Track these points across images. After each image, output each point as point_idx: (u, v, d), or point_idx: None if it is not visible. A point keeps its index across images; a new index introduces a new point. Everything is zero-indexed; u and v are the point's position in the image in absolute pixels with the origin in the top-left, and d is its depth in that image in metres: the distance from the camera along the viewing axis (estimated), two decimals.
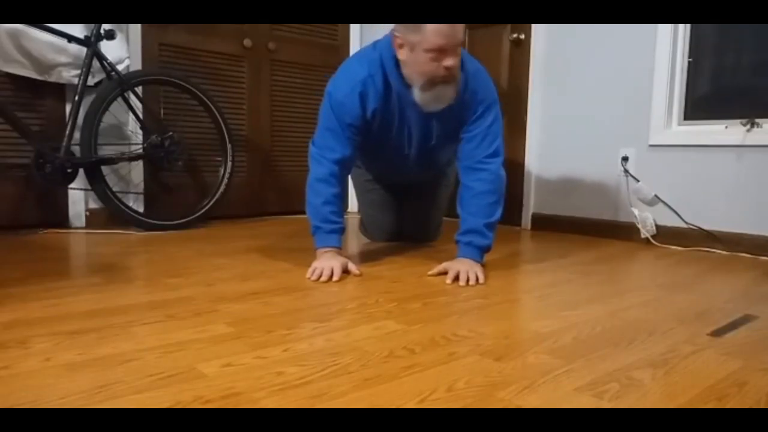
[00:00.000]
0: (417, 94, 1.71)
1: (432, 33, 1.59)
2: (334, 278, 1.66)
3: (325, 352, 1.06)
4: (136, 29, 2.74)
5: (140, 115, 2.68)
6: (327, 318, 1.28)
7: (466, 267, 1.70)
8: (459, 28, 1.60)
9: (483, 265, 1.77)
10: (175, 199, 2.89)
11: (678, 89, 2.47)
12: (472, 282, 1.66)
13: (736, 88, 2.35)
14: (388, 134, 1.89)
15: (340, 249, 1.80)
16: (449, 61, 1.61)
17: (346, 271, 1.72)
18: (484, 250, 1.80)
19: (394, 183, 2.30)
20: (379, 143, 1.93)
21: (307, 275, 1.69)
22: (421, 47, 1.61)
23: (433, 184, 2.31)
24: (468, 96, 1.79)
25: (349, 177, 2.45)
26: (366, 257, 2.07)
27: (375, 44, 1.82)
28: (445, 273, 1.73)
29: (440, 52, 1.60)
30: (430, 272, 1.77)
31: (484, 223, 1.77)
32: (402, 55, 1.68)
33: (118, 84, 2.50)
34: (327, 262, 1.70)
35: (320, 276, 1.66)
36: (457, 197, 1.85)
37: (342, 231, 1.82)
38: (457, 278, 1.68)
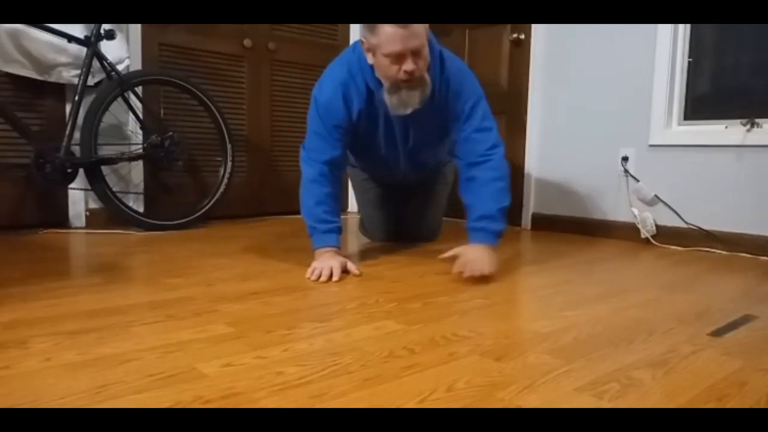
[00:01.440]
0: (385, 98, 1.73)
1: (386, 39, 1.59)
2: (334, 278, 1.65)
3: (325, 352, 1.06)
4: (136, 29, 2.74)
5: (140, 115, 2.68)
6: (327, 318, 1.28)
7: (477, 254, 1.67)
8: (416, 32, 1.58)
9: (494, 250, 1.73)
10: (175, 199, 2.89)
11: (678, 89, 2.47)
12: (477, 275, 1.63)
13: (736, 88, 2.35)
14: (375, 135, 1.90)
15: (338, 248, 1.80)
16: (408, 66, 1.61)
17: (345, 271, 1.72)
18: (498, 234, 1.76)
19: (391, 183, 2.30)
20: (368, 144, 1.94)
21: (307, 275, 1.69)
22: (380, 51, 1.62)
23: (431, 183, 2.31)
24: (451, 97, 1.79)
25: (348, 177, 2.46)
26: (366, 257, 2.07)
27: (354, 46, 1.83)
28: (456, 258, 1.70)
29: (398, 57, 1.60)
30: (441, 256, 1.76)
31: (497, 209, 1.74)
32: (369, 58, 1.69)
33: (118, 84, 2.50)
34: (326, 262, 1.70)
35: (320, 276, 1.66)
36: (461, 190, 1.82)
37: (339, 230, 1.82)
38: (465, 271, 1.65)
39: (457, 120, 1.82)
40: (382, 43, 1.60)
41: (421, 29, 1.60)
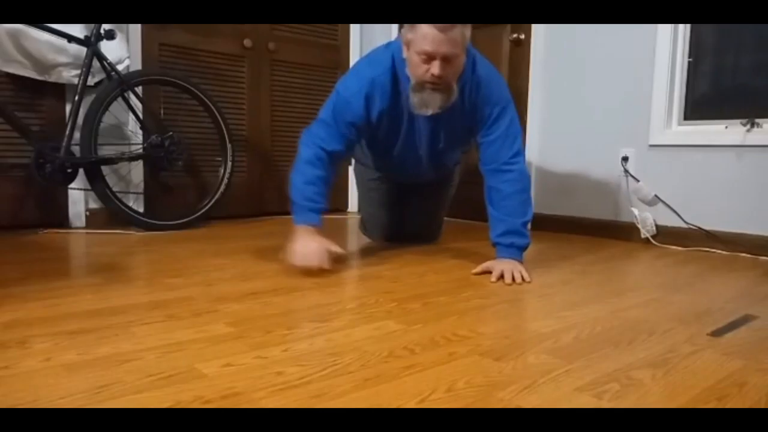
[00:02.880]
0: (410, 95, 1.73)
1: (421, 36, 1.60)
2: (321, 264, 1.66)
3: (325, 352, 1.06)
4: (136, 29, 2.74)
5: (140, 115, 2.68)
6: (327, 318, 1.28)
7: (510, 267, 1.72)
8: (452, 38, 1.58)
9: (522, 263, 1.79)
10: (175, 199, 2.89)
11: (678, 89, 2.47)
12: (518, 280, 1.68)
13: (736, 88, 2.35)
14: (397, 135, 1.91)
15: (319, 228, 1.78)
16: (435, 69, 1.62)
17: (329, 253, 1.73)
18: (524, 248, 1.82)
19: (402, 183, 2.30)
20: (389, 144, 1.95)
21: (287, 258, 1.69)
22: (413, 48, 1.63)
23: (439, 184, 2.31)
24: (480, 101, 1.81)
25: (352, 175, 2.46)
26: (366, 257, 2.07)
27: (389, 44, 1.85)
28: (488, 272, 1.75)
29: (428, 57, 1.61)
30: (473, 270, 1.79)
31: (522, 223, 1.80)
32: (404, 52, 1.70)
33: (118, 84, 2.50)
34: (306, 245, 1.70)
35: (305, 263, 1.66)
36: (486, 199, 1.85)
37: (323, 211, 1.80)
38: (501, 277, 1.70)
39: (483, 123, 1.83)
40: (416, 40, 1.61)
41: (458, 38, 1.60)
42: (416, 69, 1.67)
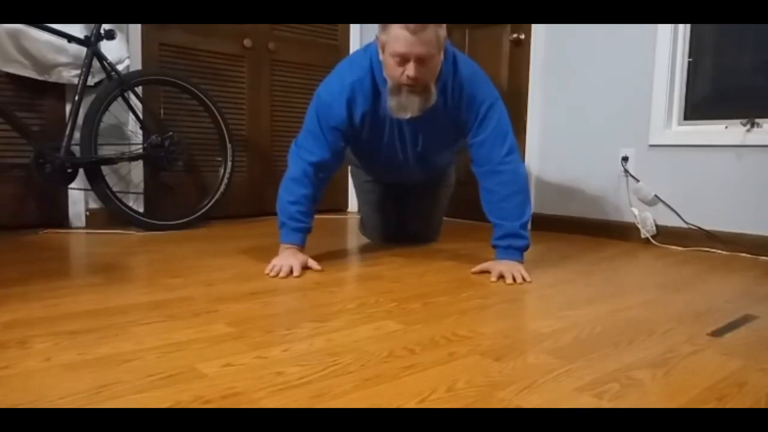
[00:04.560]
0: (387, 98, 1.72)
1: (393, 38, 1.58)
2: (294, 274, 1.70)
3: (325, 352, 1.06)
4: (136, 29, 2.74)
5: (140, 115, 2.68)
6: (327, 318, 1.28)
7: (509, 267, 1.72)
8: (425, 39, 1.56)
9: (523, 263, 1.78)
10: (175, 199, 2.89)
11: (678, 89, 2.47)
12: (518, 280, 1.68)
13: (736, 88, 2.35)
14: (380, 138, 1.89)
15: (302, 247, 1.83)
16: (410, 71, 1.60)
17: (306, 268, 1.77)
18: (524, 249, 1.80)
19: (394, 184, 2.30)
20: (373, 147, 1.94)
21: (266, 271, 1.72)
22: (388, 50, 1.62)
23: (433, 184, 2.30)
24: (465, 102, 1.79)
25: (350, 176, 2.46)
26: (366, 257, 2.07)
27: (367, 46, 1.83)
28: (487, 272, 1.76)
29: (402, 58, 1.60)
30: (472, 270, 1.79)
31: (520, 224, 1.78)
32: (380, 55, 1.69)
33: (118, 84, 2.50)
34: (286, 260, 1.74)
35: (278, 273, 1.70)
36: (482, 200, 1.84)
37: (307, 230, 1.84)
38: (502, 277, 1.70)
39: (471, 124, 1.81)
40: (389, 42, 1.61)
41: (432, 38, 1.58)
42: (392, 71, 1.65)
